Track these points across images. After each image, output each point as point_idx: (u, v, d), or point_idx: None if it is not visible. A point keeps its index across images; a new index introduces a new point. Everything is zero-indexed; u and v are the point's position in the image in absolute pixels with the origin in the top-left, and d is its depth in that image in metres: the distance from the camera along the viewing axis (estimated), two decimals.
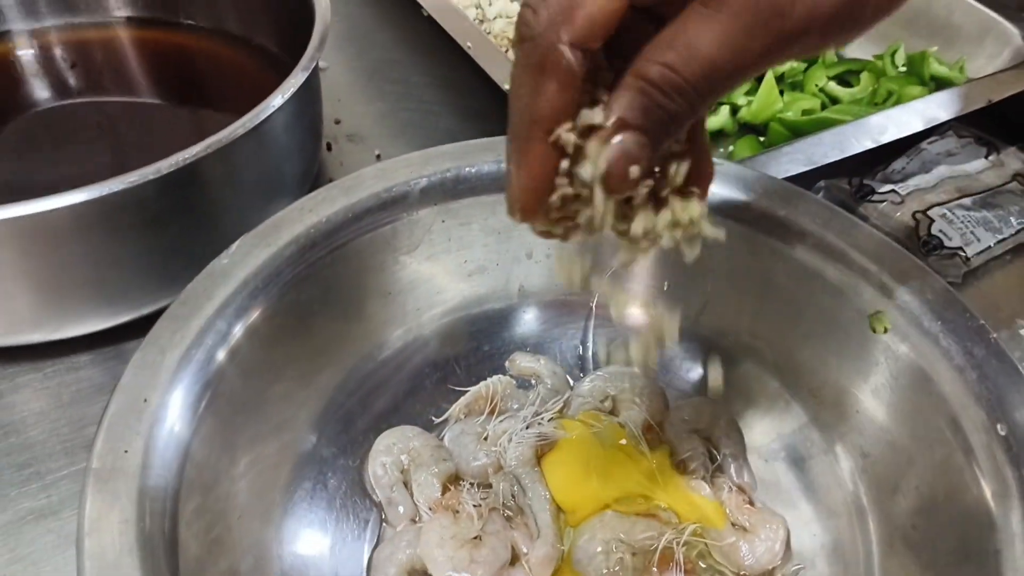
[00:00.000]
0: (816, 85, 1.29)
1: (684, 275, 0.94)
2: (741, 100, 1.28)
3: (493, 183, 0.93)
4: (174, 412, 0.71)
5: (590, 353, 1.00)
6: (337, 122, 1.34)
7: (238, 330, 0.79)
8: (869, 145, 1.09)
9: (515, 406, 0.94)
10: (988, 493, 0.71)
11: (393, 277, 0.91)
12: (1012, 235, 1.11)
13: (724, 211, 0.91)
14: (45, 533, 0.85)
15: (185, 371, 0.74)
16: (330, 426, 0.88)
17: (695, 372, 0.96)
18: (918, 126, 1.13)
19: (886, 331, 0.83)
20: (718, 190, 0.91)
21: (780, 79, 1.31)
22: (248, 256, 0.83)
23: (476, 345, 0.97)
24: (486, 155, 0.93)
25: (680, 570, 0.81)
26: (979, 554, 0.70)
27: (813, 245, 0.88)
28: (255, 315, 0.81)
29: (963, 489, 0.74)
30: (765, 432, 0.91)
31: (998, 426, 0.73)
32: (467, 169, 0.92)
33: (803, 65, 1.32)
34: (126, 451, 0.69)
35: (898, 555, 0.79)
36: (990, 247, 1.10)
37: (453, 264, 0.94)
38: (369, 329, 0.92)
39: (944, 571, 0.74)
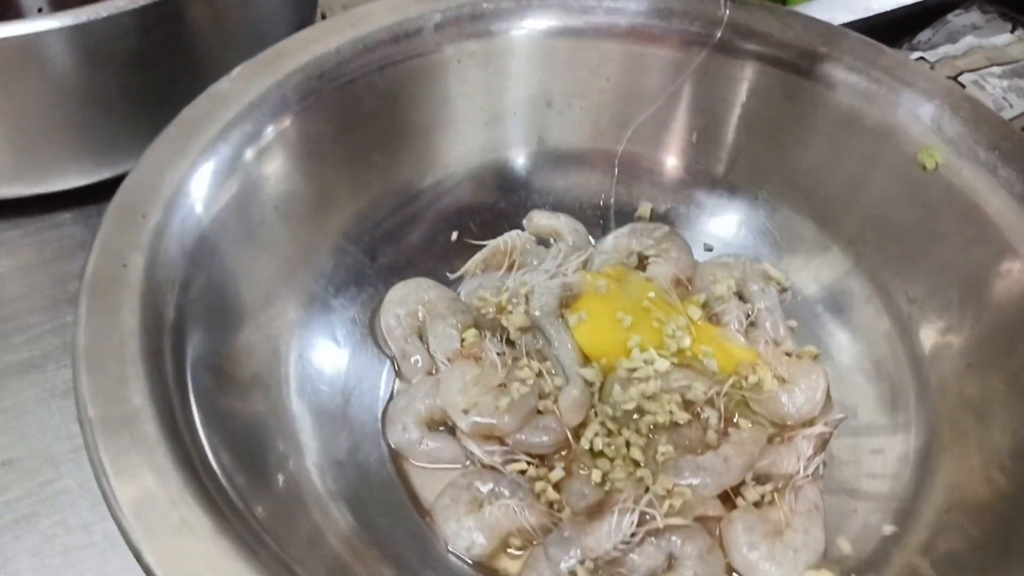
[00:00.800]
0: None
1: (714, 124, 0.89)
2: None
3: (513, 20, 0.86)
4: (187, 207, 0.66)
5: (612, 212, 0.93)
6: None
7: (246, 154, 0.72)
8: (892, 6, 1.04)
9: (534, 262, 0.88)
10: None
11: (405, 121, 0.85)
12: None
13: (761, 55, 0.85)
14: (29, 387, 0.79)
15: (187, 187, 0.68)
16: (338, 275, 0.82)
17: (730, 224, 0.90)
18: None
19: (937, 167, 0.78)
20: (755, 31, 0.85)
21: None
22: (250, 83, 0.76)
23: (492, 201, 0.91)
24: None
25: (720, 420, 0.76)
26: None
27: (855, 84, 0.82)
28: (260, 143, 0.74)
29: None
30: (805, 282, 0.86)
31: None
32: (485, 4, 0.85)
33: None
34: (124, 265, 0.62)
35: (950, 398, 0.74)
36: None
37: (469, 110, 0.88)
38: (378, 176, 0.85)
39: (1001, 404, 0.69)
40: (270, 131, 0.75)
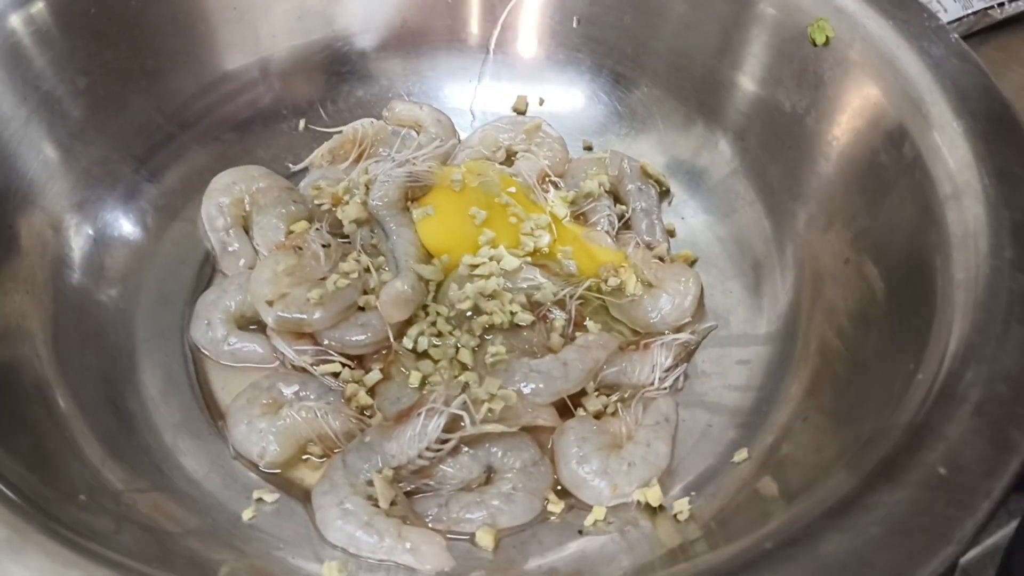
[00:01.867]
0: None
1: (598, 7, 0.79)
2: None
3: None
4: None
5: (482, 106, 0.84)
6: None
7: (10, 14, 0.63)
8: None
9: (388, 154, 0.78)
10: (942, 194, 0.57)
11: None
12: (984, 9, 0.96)
13: None
14: None
15: None
16: (154, 158, 0.73)
17: (611, 118, 0.81)
18: None
19: (827, 41, 0.68)
20: None
21: None
22: None
23: (348, 88, 0.82)
24: None
25: (570, 324, 0.67)
26: (921, 265, 0.56)
27: None
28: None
29: (909, 207, 0.60)
30: (686, 179, 0.77)
31: (954, 124, 0.58)
32: None
33: None
34: None
35: (823, 300, 0.65)
36: (963, 17, 0.94)
37: None
38: (209, 49, 0.75)
39: (879, 306, 0.59)
40: None
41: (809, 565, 0.40)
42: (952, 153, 0.57)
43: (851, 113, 0.67)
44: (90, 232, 0.67)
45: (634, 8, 0.78)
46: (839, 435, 0.54)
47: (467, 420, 0.58)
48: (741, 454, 0.59)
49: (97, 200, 0.68)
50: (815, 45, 0.68)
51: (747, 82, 0.73)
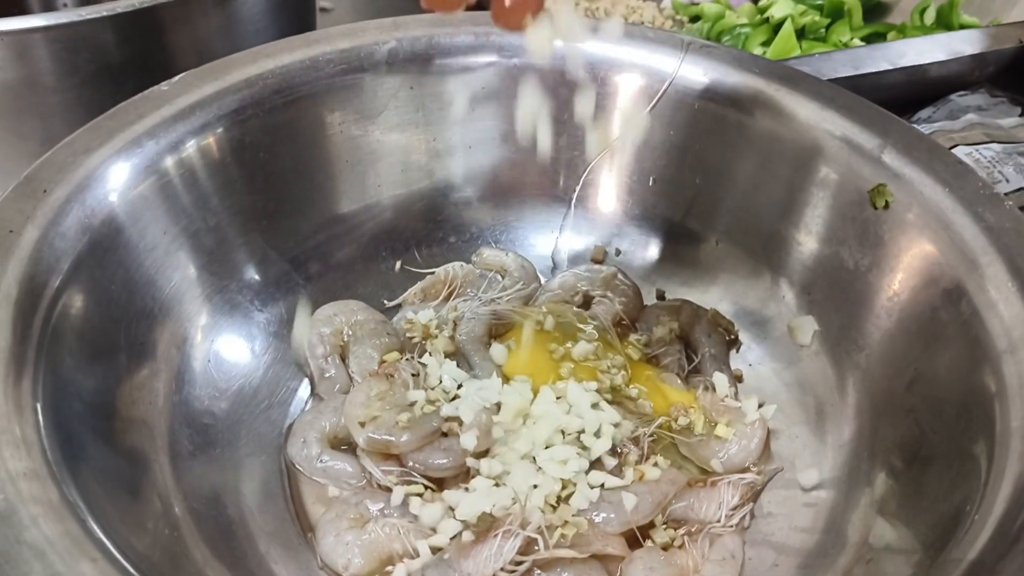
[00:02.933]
0: (840, 40, 1.22)
1: (671, 167, 0.86)
2: (757, 49, 1.21)
3: (469, 53, 0.86)
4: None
5: (563, 254, 0.90)
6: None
7: (173, 153, 0.73)
8: (885, 67, 1.01)
9: (475, 295, 0.85)
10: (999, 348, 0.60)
11: (353, 143, 0.85)
12: None
13: (715, 96, 0.83)
14: None
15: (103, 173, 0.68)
16: (265, 290, 0.80)
17: (683, 270, 0.86)
18: (939, 56, 1.05)
19: (887, 205, 0.73)
20: (715, 75, 0.83)
21: (801, 33, 1.24)
22: (191, 87, 0.77)
23: (441, 234, 0.89)
24: (463, 26, 0.87)
25: (642, 458, 0.71)
26: (978, 412, 0.59)
27: (808, 118, 0.79)
28: (191, 144, 0.75)
29: (966, 358, 0.63)
30: (751, 327, 0.81)
31: (1009, 284, 0.63)
32: (441, 38, 0.86)
33: (826, 20, 1.25)
34: (11, 231, 0.62)
35: (883, 443, 0.67)
36: (1022, 188, 0.99)
37: (421, 140, 0.87)
38: (323, 195, 0.84)
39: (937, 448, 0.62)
40: (201, 137, 0.75)
41: None
42: (1008, 310, 0.61)
43: (910, 271, 0.71)
44: (207, 352, 0.74)
45: (705, 170, 0.84)
46: (902, 561, 0.56)
47: (541, 544, 0.62)
48: None
49: (215, 324, 0.75)
50: (875, 208, 0.74)
51: (811, 240, 0.78)
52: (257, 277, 0.80)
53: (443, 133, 0.87)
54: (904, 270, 0.72)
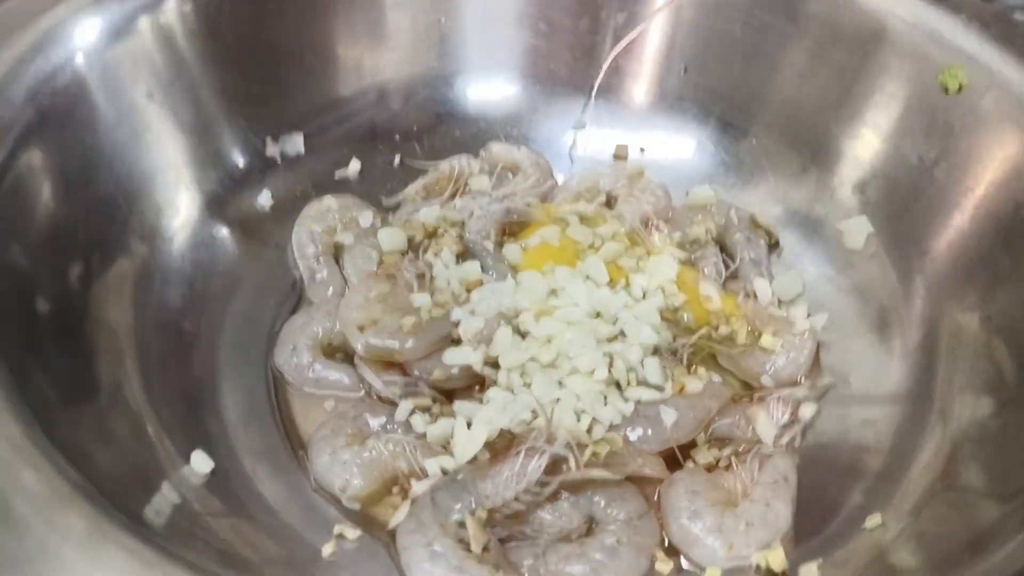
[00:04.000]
0: None
1: (707, 54, 0.77)
2: None
3: None
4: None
5: (582, 150, 0.81)
6: None
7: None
8: None
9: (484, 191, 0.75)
10: None
11: (349, 22, 0.74)
12: None
13: None
14: None
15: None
16: (250, 179, 0.71)
17: (717, 165, 0.77)
18: None
19: (961, 89, 0.64)
20: None
21: None
22: None
23: (445, 127, 0.80)
24: None
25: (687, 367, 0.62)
26: None
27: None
28: (168, 5, 0.64)
29: None
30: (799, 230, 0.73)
31: None
32: None
33: None
34: None
35: (961, 358, 0.59)
36: None
37: (424, 20, 0.77)
38: (315, 79, 0.74)
39: None
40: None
41: None
42: None
43: (988, 164, 0.62)
44: (181, 248, 0.64)
45: (745, 57, 0.75)
46: (993, 505, 0.48)
47: (571, 463, 0.53)
48: (874, 519, 0.53)
49: (189, 217, 0.66)
50: (946, 93, 0.65)
51: (868, 133, 0.70)
52: (240, 165, 0.70)
53: (452, 11, 0.77)
54: (979, 162, 0.63)
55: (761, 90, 0.75)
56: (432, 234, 0.70)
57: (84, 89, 0.59)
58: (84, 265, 0.58)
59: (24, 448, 0.37)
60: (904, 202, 0.67)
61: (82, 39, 0.59)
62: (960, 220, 0.63)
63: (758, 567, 0.52)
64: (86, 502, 0.36)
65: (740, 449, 0.59)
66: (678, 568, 0.54)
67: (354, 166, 0.76)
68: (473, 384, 0.61)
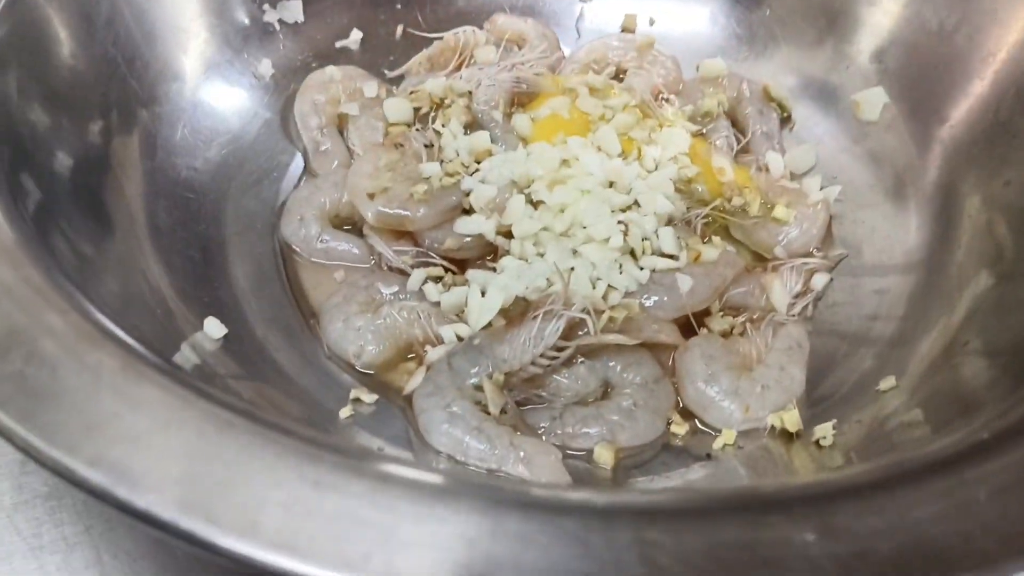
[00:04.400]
0: None
1: None
2: None
3: None
4: None
5: (590, 25, 0.78)
6: None
7: None
8: None
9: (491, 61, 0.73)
10: None
11: None
12: None
13: None
14: None
15: None
16: (251, 46, 0.68)
17: (730, 38, 0.75)
18: None
19: None
20: None
21: None
22: None
23: None
24: None
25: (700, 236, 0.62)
26: None
27: None
28: None
29: None
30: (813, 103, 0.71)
31: None
32: None
33: None
34: None
35: (977, 226, 0.59)
36: None
37: None
38: None
39: None
40: None
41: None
42: None
43: (1010, 26, 0.61)
44: (182, 116, 0.62)
45: None
46: (1011, 364, 0.48)
47: (589, 326, 0.53)
48: (888, 382, 0.53)
49: (188, 85, 0.64)
50: None
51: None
52: (237, 32, 0.68)
53: None
54: (1001, 25, 0.61)
55: None
56: (439, 105, 0.68)
57: None
58: (103, 123, 0.56)
59: (47, 292, 0.36)
60: (923, 70, 0.66)
61: None
62: (980, 87, 0.62)
63: (772, 428, 0.53)
64: (116, 345, 0.35)
65: (754, 317, 0.59)
66: (693, 430, 0.54)
67: (355, 36, 0.73)
68: (485, 254, 0.61)
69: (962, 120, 0.62)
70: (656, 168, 0.63)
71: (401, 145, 0.63)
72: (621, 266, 0.58)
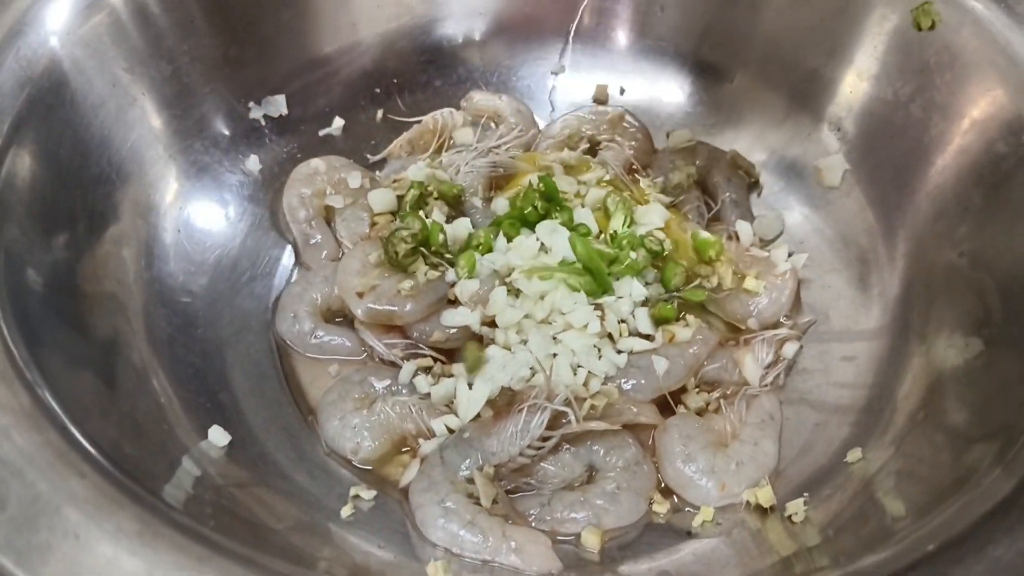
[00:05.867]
0: None
1: None
2: None
3: None
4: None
5: (563, 97, 0.81)
6: None
7: None
8: None
9: (469, 144, 0.76)
10: None
11: None
12: None
13: None
14: None
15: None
16: (236, 147, 0.71)
17: (695, 107, 0.78)
18: None
19: (933, 26, 0.65)
20: None
21: None
22: None
23: (425, 77, 0.80)
24: None
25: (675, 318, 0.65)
26: None
27: None
28: None
29: None
30: (777, 173, 0.74)
31: None
32: None
33: None
34: None
35: (928, 287, 0.62)
36: None
37: None
38: (292, 35, 0.74)
39: (1000, 301, 0.57)
40: None
41: (978, 568, 0.38)
42: None
43: (962, 101, 0.64)
44: (177, 220, 0.66)
45: None
46: (972, 435, 0.52)
47: (571, 417, 0.56)
48: (855, 454, 0.57)
49: (183, 188, 0.67)
50: (919, 30, 0.66)
51: (845, 70, 0.71)
52: (225, 132, 0.71)
53: None
54: (954, 99, 0.64)
55: (739, 29, 0.75)
56: (422, 194, 0.70)
57: (64, 72, 0.59)
58: (84, 243, 0.59)
59: (65, 453, 0.39)
60: (880, 138, 0.69)
61: (55, 22, 0.59)
62: (935, 156, 0.65)
63: (748, 504, 0.56)
64: (134, 503, 0.38)
65: (728, 392, 0.62)
66: (674, 508, 0.57)
67: (337, 123, 0.76)
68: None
69: (918, 188, 0.66)
70: (632, 248, 0.66)
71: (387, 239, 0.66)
72: (600, 351, 0.61)
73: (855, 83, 0.70)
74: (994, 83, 0.61)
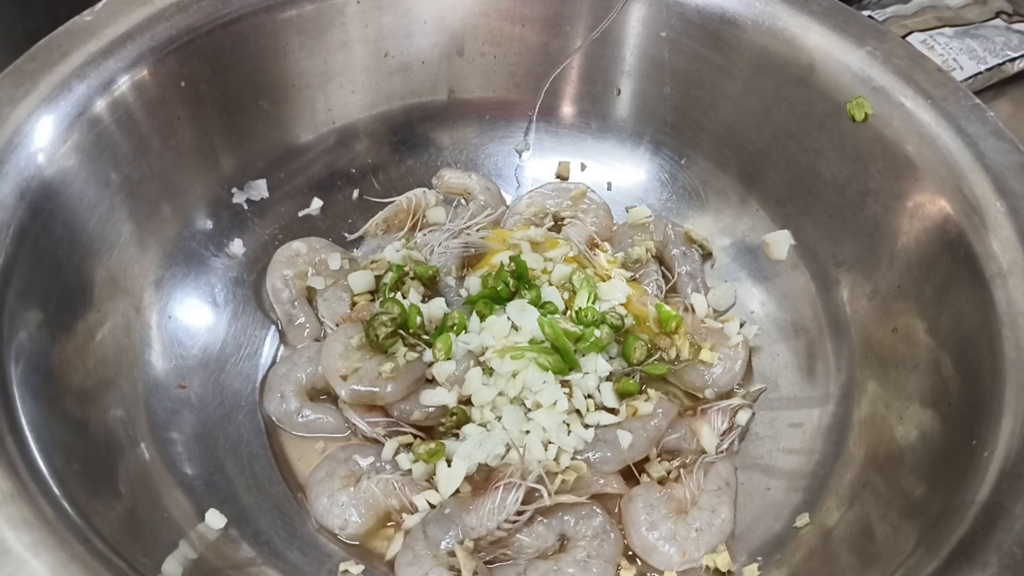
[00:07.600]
0: None
1: (642, 78, 0.82)
2: None
3: None
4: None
5: (527, 171, 0.87)
6: None
7: (104, 95, 0.66)
8: None
9: (441, 222, 0.81)
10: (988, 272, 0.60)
11: (298, 67, 0.78)
12: (997, 65, 1.00)
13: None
14: None
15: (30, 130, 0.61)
16: (219, 233, 0.75)
17: (653, 183, 0.84)
18: None
19: (866, 117, 0.71)
20: None
21: None
22: (117, 16, 0.69)
23: (398, 157, 0.84)
24: None
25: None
26: (971, 341, 0.59)
27: (781, 31, 0.75)
28: (123, 83, 0.67)
29: (954, 280, 0.63)
30: (728, 245, 0.80)
31: (998, 204, 0.62)
32: None
33: None
34: None
35: (870, 357, 0.68)
36: (978, 74, 0.98)
37: (371, 58, 0.81)
38: (271, 125, 0.78)
39: (932, 378, 0.63)
40: (134, 72, 0.68)
41: None
42: (996, 233, 0.61)
43: (892, 188, 0.70)
44: (165, 314, 0.69)
45: (674, 80, 0.81)
46: (906, 506, 0.57)
47: (544, 492, 0.61)
48: (803, 519, 0.62)
49: (172, 277, 0.71)
50: (854, 120, 0.72)
51: (789, 152, 0.76)
52: (209, 222, 0.74)
53: (395, 48, 0.81)
54: (884, 185, 0.70)
55: (689, 111, 0.81)
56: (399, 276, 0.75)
57: (59, 182, 0.62)
58: (86, 341, 0.63)
59: (89, 562, 0.43)
60: (820, 217, 0.75)
61: (44, 135, 0.62)
62: (867, 238, 0.71)
63: (707, 568, 0.61)
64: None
65: (687, 461, 0.68)
66: (639, 573, 0.62)
67: (316, 204, 0.81)
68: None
69: (855, 267, 0.72)
70: (596, 324, 0.71)
71: (368, 323, 0.70)
72: (569, 427, 0.66)
73: (797, 164, 0.76)
74: (921, 173, 0.67)
